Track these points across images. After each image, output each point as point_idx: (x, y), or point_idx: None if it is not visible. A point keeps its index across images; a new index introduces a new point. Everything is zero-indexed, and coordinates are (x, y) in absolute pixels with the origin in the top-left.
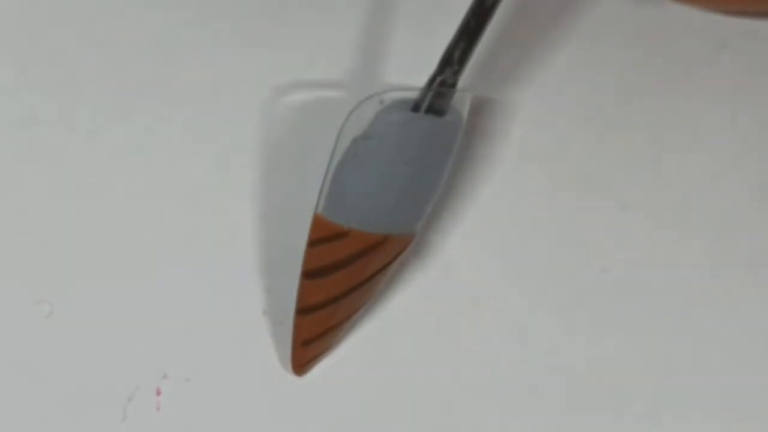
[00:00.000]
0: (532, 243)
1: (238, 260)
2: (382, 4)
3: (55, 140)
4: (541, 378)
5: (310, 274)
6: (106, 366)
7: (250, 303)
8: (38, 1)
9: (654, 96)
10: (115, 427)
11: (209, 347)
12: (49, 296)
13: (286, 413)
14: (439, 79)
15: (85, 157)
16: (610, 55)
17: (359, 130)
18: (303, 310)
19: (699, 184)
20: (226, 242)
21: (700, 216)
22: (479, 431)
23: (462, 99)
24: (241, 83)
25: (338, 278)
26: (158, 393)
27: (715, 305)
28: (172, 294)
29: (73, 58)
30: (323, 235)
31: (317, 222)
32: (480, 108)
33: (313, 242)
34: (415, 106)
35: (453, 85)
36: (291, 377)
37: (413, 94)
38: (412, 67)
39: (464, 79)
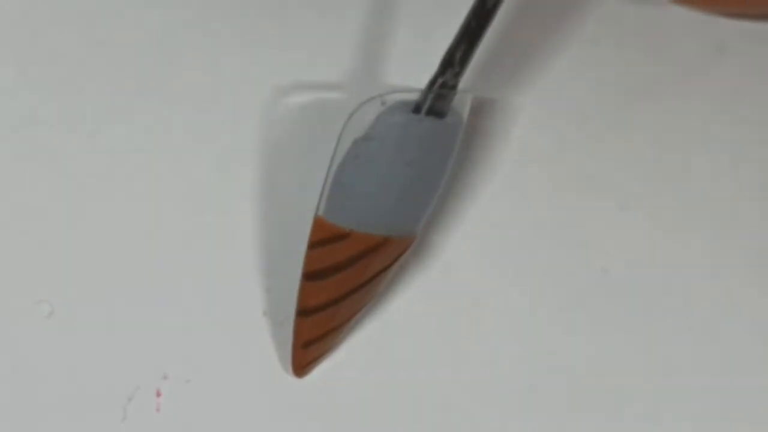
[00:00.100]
0: (533, 243)
1: (238, 261)
2: (383, 5)
3: (55, 140)
4: (541, 378)
5: (310, 275)
6: (107, 366)
7: (250, 304)
8: (38, 1)
9: (654, 97)
10: (115, 427)
11: (209, 348)
12: (50, 296)
13: (286, 414)
14: (440, 81)
15: (85, 157)
16: (610, 56)
17: (360, 132)
18: (303, 312)
19: (699, 184)
20: (226, 243)
21: (700, 216)
22: (479, 431)
23: (462, 100)
24: (241, 83)
25: (339, 280)
26: (158, 394)
27: (715, 305)
28: (172, 294)
29: (73, 58)
30: (324, 237)
31: (318, 224)
32: (480, 109)
33: (314, 244)
34: (416, 108)
35: (454, 87)
36: (291, 378)
37: (414, 96)
38: (412, 69)
39: (464, 80)
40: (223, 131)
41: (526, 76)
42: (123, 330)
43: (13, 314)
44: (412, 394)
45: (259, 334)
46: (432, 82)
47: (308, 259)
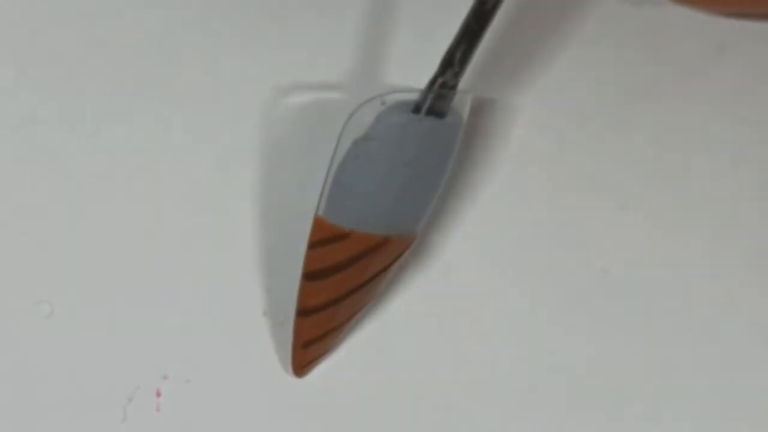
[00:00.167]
0: (533, 243)
1: (238, 261)
2: (383, 5)
3: (55, 140)
4: (542, 378)
5: (310, 275)
6: (107, 367)
7: (250, 304)
8: (38, 1)
9: (654, 97)
10: (115, 427)
11: (209, 348)
12: (50, 297)
13: (286, 415)
14: (440, 81)
15: (85, 157)
16: (609, 56)
17: (360, 132)
18: (304, 312)
19: (699, 184)
20: (226, 243)
21: (700, 216)
22: (479, 431)
23: (462, 100)
24: (241, 83)
25: (339, 280)
26: (158, 394)
27: (715, 305)
28: (172, 294)
29: (73, 58)
30: (324, 237)
31: (318, 224)
32: (480, 109)
33: (314, 244)
34: (416, 108)
35: (454, 87)
36: (291, 378)
37: (414, 96)
38: (412, 69)
39: (464, 80)
40: (223, 131)
41: (526, 76)
42: (123, 330)
43: (14, 314)
44: (412, 394)
45: (259, 334)
46: (432, 82)
47: (308, 259)
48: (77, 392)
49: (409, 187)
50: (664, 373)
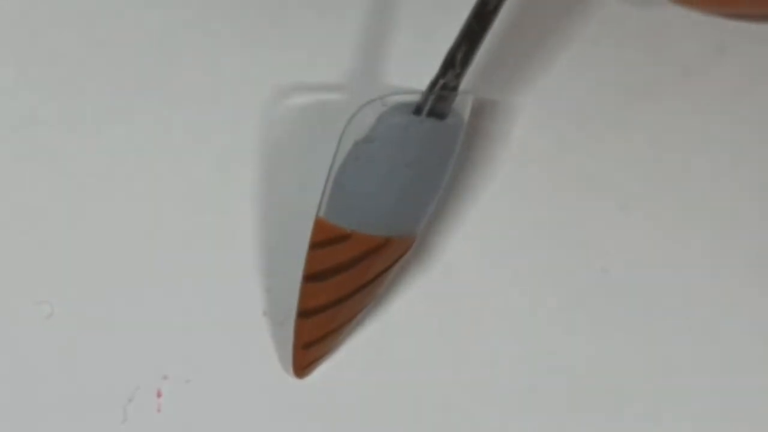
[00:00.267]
0: (533, 244)
1: (238, 261)
2: (384, 5)
3: (55, 140)
4: (542, 378)
5: (311, 276)
6: (107, 367)
7: (250, 304)
8: (38, 1)
9: (654, 97)
10: (116, 428)
11: (210, 348)
12: (50, 297)
13: (286, 415)
14: (441, 82)
15: (85, 157)
16: (609, 56)
17: (361, 133)
18: (304, 313)
19: (699, 184)
20: (227, 243)
21: (700, 216)
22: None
23: (463, 101)
24: (241, 84)
25: (340, 281)
26: (159, 394)
27: (715, 305)
28: (172, 295)
29: (73, 58)
30: (325, 238)
31: (319, 225)
32: (481, 110)
33: (315, 245)
34: (417, 109)
35: (455, 88)
36: (292, 379)
37: (415, 97)
38: (413, 70)
39: (465, 81)
40: (223, 131)
41: (527, 76)
42: (123, 330)
43: (14, 315)
44: (412, 395)
45: (260, 334)
46: (433, 84)
47: (309, 260)
48: (77, 392)
49: (410, 188)
50: (664, 373)
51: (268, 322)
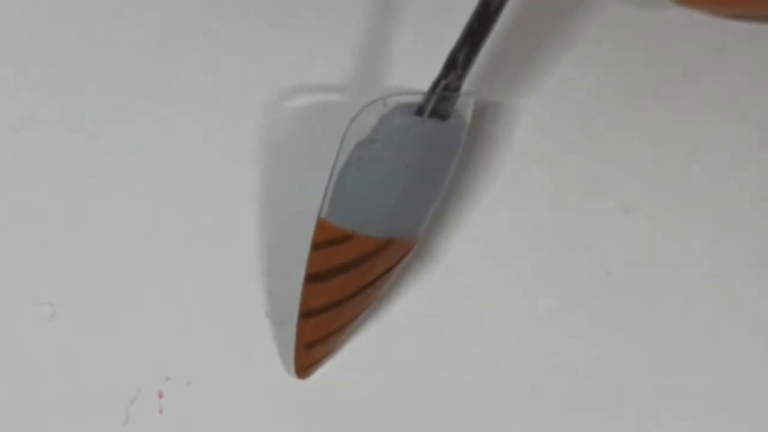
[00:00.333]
0: (535, 245)
1: (240, 262)
2: (386, 6)
3: (55, 140)
4: (544, 380)
5: (313, 277)
6: (109, 368)
7: (252, 305)
8: (38, 1)
9: (655, 98)
10: (117, 429)
11: (211, 349)
12: (51, 298)
13: (288, 416)
14: (443, 84)
15: (85, 157)
16: (611, 58)
17: (363, 135)
18: (306, 314)
19: (701, 186)
20: (228, 244)
21: (703, 218)
22: None
23: (465, 102)
24: (241, 84)
25: (342, 282)
26: (160, 396)
27: (715, 306)
28: (173, 296)
29: (73, 58)
30: (327, 239)
31: (321, 226)
32: (483, 111)
33: (317, 246)
34: (419, 110)
35: (457, 89)
36: (294, 380)
37: (417, 98)
38: (415, 71)
39: (467, 82)
40: (223, 131)
41: (529, 78)
42: (125, 332)
43: (15, 316)
44: (414, 396)
45: (261, 335)
46: (435, 85)
47: (311, 261)
48: (79, 394)
49: (412, 189)
50: (666, 374)
51: (270, 323)
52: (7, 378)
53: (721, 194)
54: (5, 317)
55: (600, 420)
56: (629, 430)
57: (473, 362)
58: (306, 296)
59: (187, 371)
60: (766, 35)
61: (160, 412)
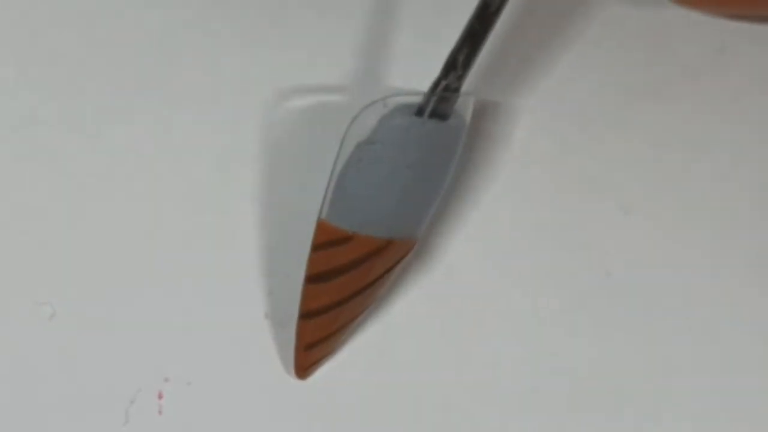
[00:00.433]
0: (535, 246)
1: (239, 263)
2: (385, 6)
3: (55, 140)
4: (544, 380)
5: (313, 278)
6: (108, 369)
7: (252, 306)
8: (38, 1)
9: (655, 98)
10: (117, 430)
11: (211, 350)
12: (51, 298)
13: (288, 416)
14: (443, 84)
15: (85, 157)
16: (611, 58)
17: (363, 135)
18: (306, 315)
19: (701, 186)
20: (228, 244)
21: (703, 218)
22: None
23: (465, 103)
24: (241, 84)
25: (342, 282)
26: (160, 396)
27: (715, 306)
28: (173, 296)
29: (73, 58)
30: (327, 240)
31: (321, 227)
32: (482, 111)
33: (317, 247)
34: (419, 111)
35: (456, 90)
36: (293, 380)
37: (417, 99)
38: (415, 71)
39: (467, 82)
40: (223, 131)
41: (529, 78)
42: (125, 332)
43: (15, 316)
44: (414, 396)
45: (261, 336)
46: (435, 85)
47: (311, 261)
48: (79, 394)
49: (412, 189)
50: (666, 374)
51: (269, 324)
52: (7, 378)
53: (721, 194)
54: (5, 317)
55: (600, 420)
56: (629, 430)
57: (473, 362)
58: (306, 297)
59: (186, 372)
60: (766, 35)
61: (160, 412)
